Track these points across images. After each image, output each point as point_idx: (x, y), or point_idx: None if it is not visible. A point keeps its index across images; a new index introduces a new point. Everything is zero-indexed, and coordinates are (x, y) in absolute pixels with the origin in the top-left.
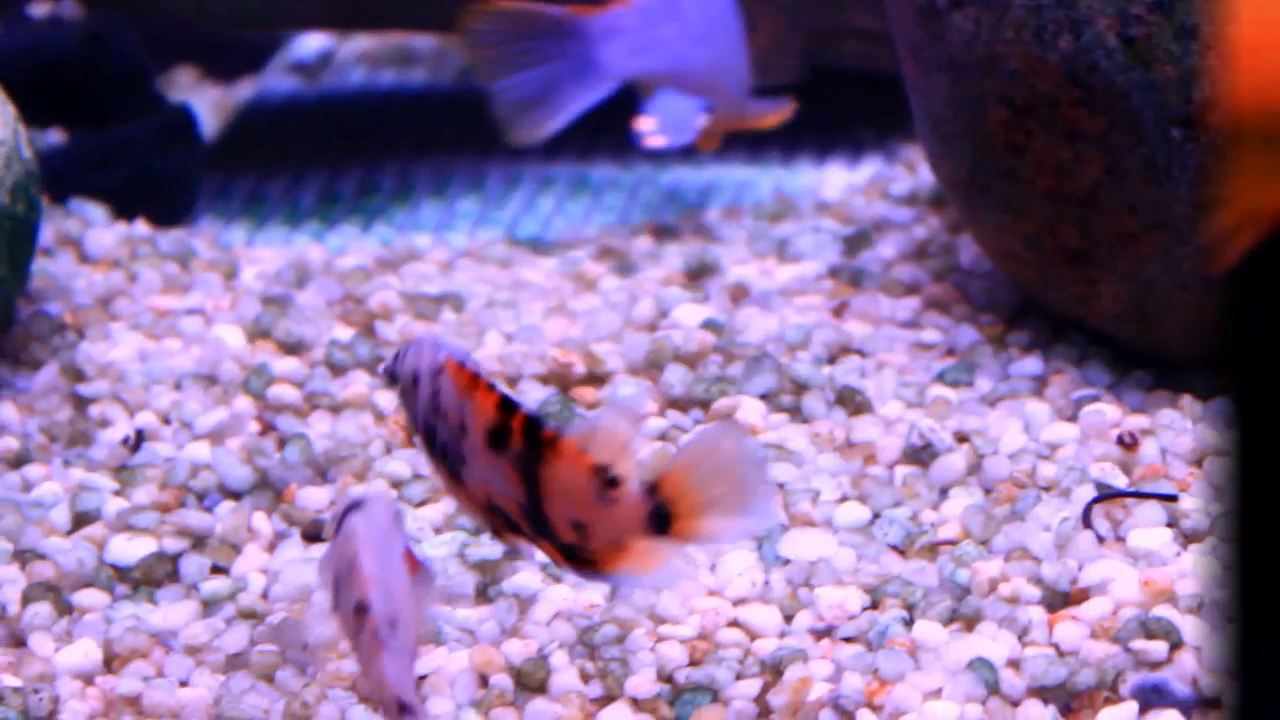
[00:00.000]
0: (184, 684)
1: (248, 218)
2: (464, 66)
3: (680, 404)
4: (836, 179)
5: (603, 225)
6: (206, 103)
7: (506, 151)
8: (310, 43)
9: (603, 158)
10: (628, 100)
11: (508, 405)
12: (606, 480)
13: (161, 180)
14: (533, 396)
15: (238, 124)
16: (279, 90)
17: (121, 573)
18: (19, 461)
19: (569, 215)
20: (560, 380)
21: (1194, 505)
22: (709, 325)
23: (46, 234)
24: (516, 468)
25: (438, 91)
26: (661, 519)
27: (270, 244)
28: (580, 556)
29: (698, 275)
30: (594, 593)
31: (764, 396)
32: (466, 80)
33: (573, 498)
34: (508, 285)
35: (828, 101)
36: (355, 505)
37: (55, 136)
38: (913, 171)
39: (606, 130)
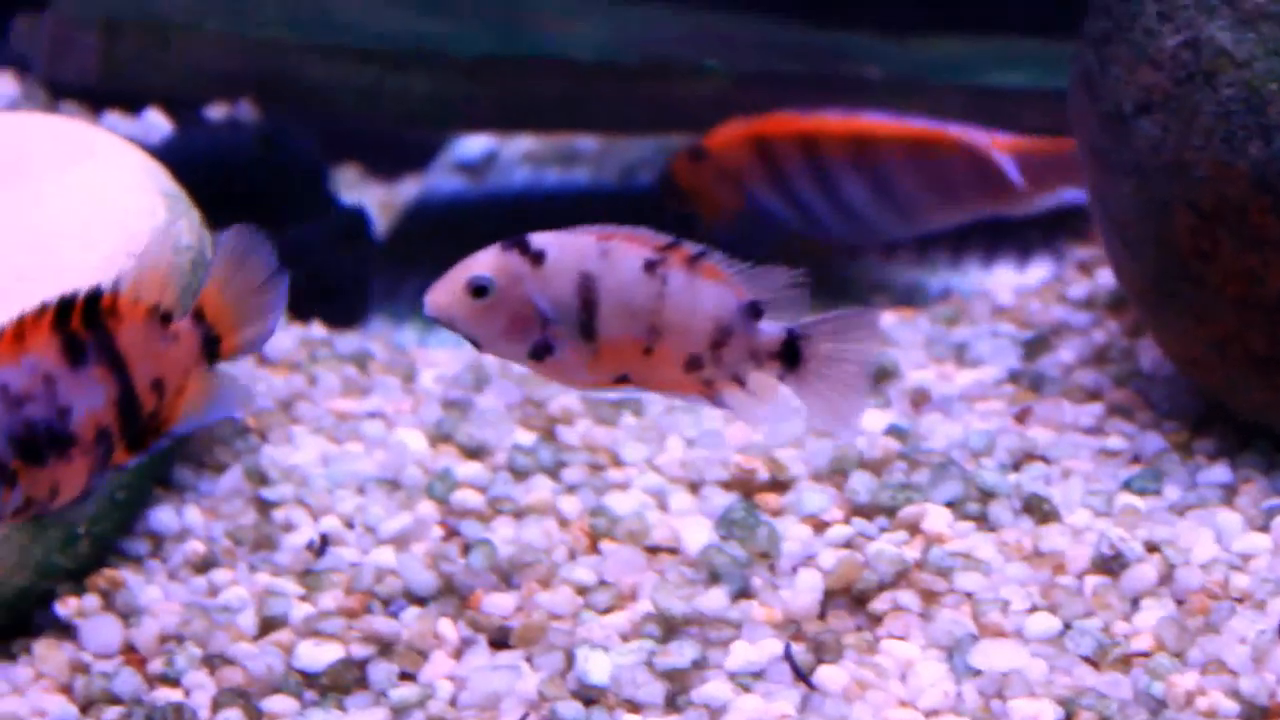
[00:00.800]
0: None
1: (418, 319)
2: (626, 165)
3: (865, 511)
4: (1006, 280)
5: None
6: (371, 201)
7: None
8: (475, 143)
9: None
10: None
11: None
12: (163, 318)
13: (337, 282)
14: (716, 503)
15: (405, 223)
16: (445, 189)
17: (310, 678)
18: (205, 566)
19: None
20: (744, 486)
21: None
22: (892, 431)
23: None
24: (101, 359)
25: (601, 190)
26: (212, 348)
27: (441, 345)
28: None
29: (877, 380)
30: (785, 702)
31: (950, 504)
32: (629, 179)
33: (145, 353)
34: None
35: None
36: None
37: None
38: (1088, 274)
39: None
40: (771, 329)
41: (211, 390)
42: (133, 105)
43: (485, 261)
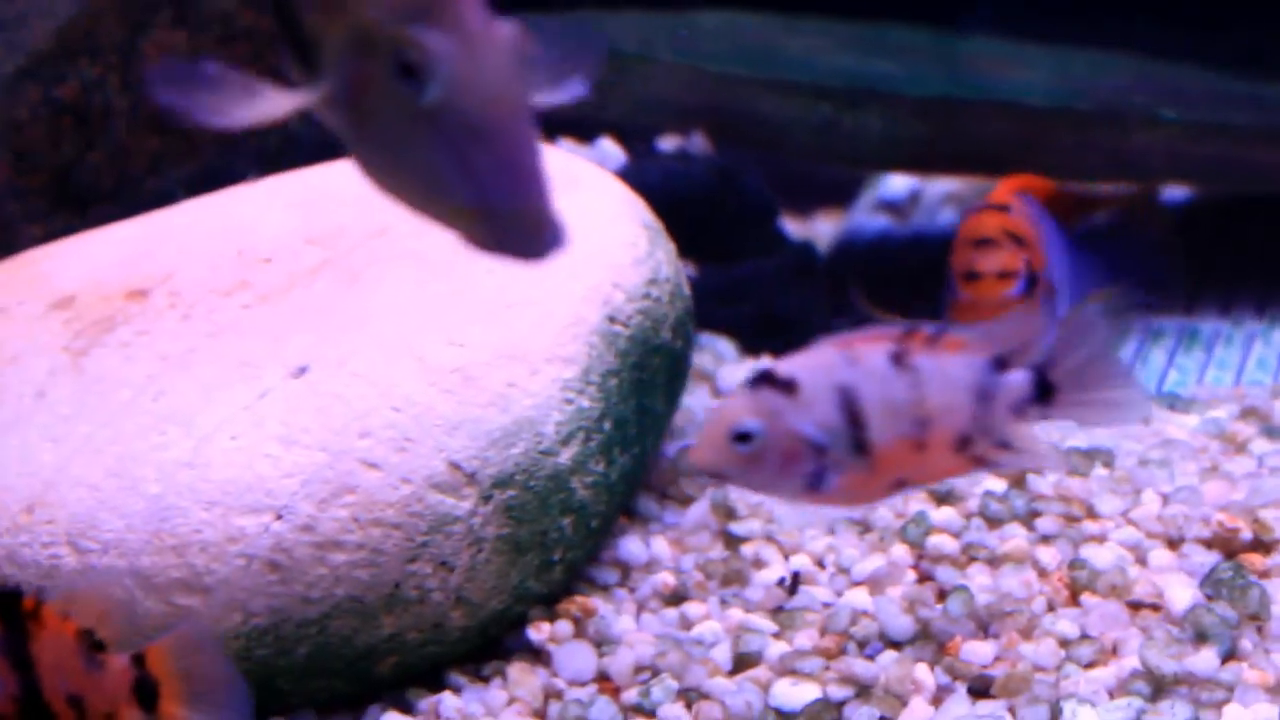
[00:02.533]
0: None
1: None
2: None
3: None
4: None
5: (1220, 380)
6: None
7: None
8: (898, 182)
9: (1209, 310)
10: (1230, 249)
11: None
12: (92, 644)
13: (787, 317)
14: (1197, 560)
15: (832, 259)
16: (870, 227)
17: (787, 717)
18: (676, 598)
19: (1183, 369)
20: (1225, 545)
21: None
22: None
23: None
24: (5, 653)
25: None
26: (147, 693)
27: None
28: None
29: None
30: None
31: None
32: None
33: (63, 668)
34: (1156, 443)
35: None
36: None
37: (687, 269)
38: None
39: (1210, 281)
40: (1018, 376)
41: None
42: (586, 134)
43: (741, 407)
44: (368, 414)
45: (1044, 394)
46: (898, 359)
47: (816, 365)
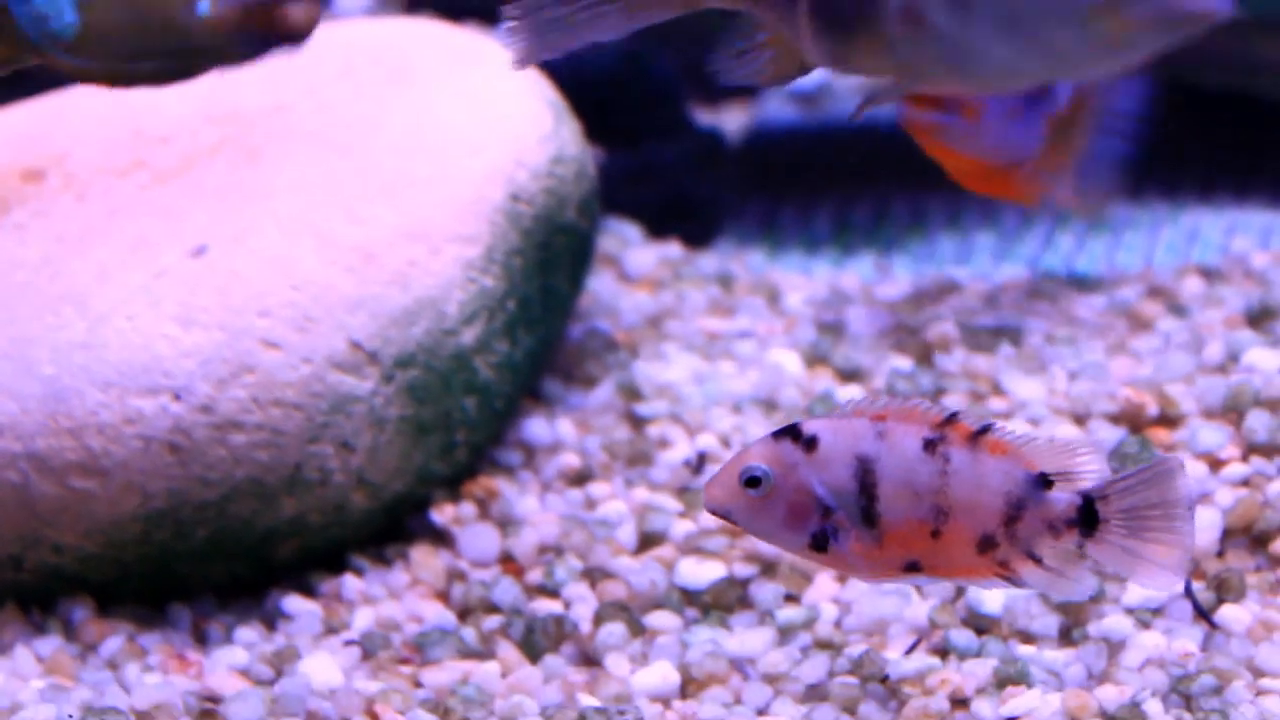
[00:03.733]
0: (762, 713)
1: (764, 242)
2: None
3: (1264, 450)
4: None
5: (1129, 263)
6: None
7: None
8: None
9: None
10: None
11: None
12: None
13: (693, 202)
14: (1103, 436)
15: (742, 149)
16: (780, 118)
17: (691, 596)
18: (581, 479)
19: (1091, 253)
20: (1132, 420)
21: None
22: None
23: None
24: None
25: None
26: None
27: (790, 269)
28: None
29: (1260, 319)
30: (1187, 640)
31: None
32: None
33: None
34: (1062, 320)
35: None
36: None
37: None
38: None
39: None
40: (1064, 497)
41: None
42: (493, 18)
43: (758, 452)
44: (267, 293)
45: (1090, 523)
46: (930, 445)
47: (842, 429)
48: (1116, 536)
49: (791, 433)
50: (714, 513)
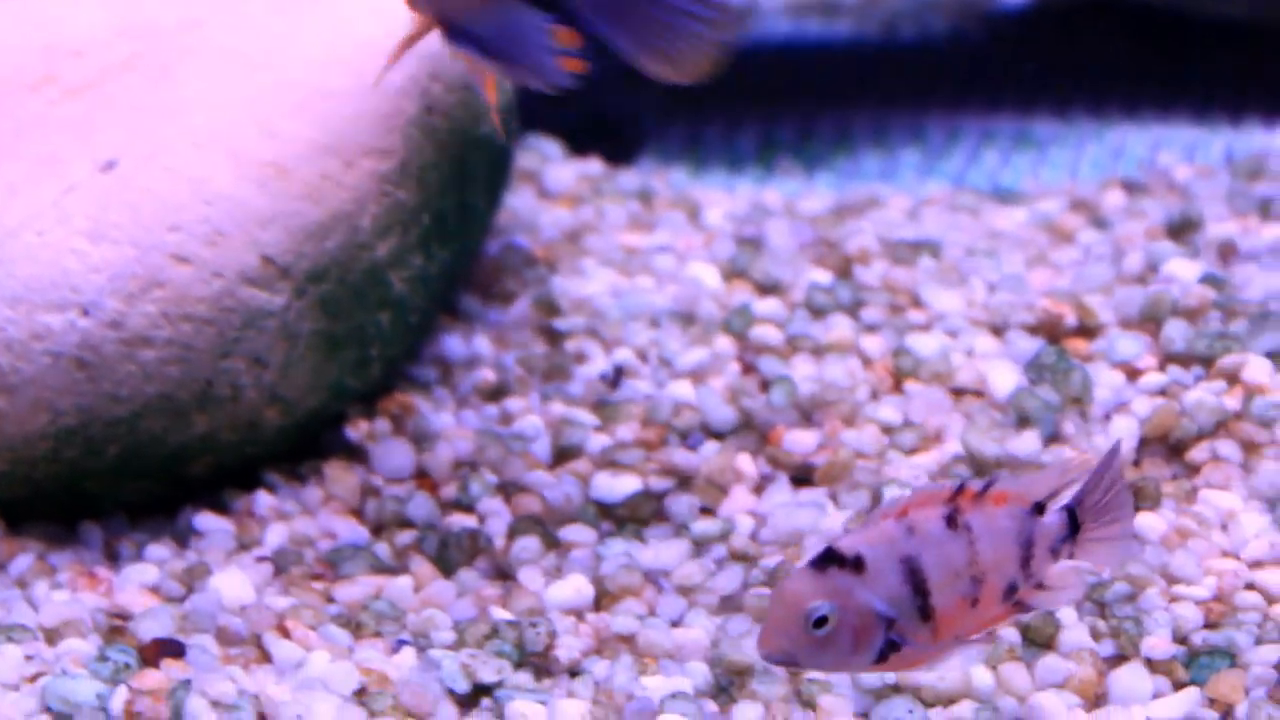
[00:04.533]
0: (675, 624)
1: (687, 160)
2: (889, 19)
3: (1181, 359)
4: None
5: (1053, 179)
6: None
7: (944, 104)
8: None
9: (1044, 113)
10: (1066, 54)
11: None
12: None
13: (614, 119)
14: (1022, 347)
15: None
16: None
17: (607, 509)
18: (497, 394)
19: (1016, 168)
20: (1050, 331)
21: None
22: (1208, 280)
23: None
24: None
25: (866, 43)
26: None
27: (713, 186)
28: None
29: (1180, 231)
30: None
31: (1271, 355)
32: (893, 33)
33: None
34: (983, 234)
35: (1278, 62)
36: None
37: None
38: None
39: (1046, 85)
40: (1053, 518)
41: None
42: None
43: (810, 590)
44: (179, 208)
45: (1074, 532)
46: (951, 520)
47: (879, 539)
48: (1091, 533)
49: (834, 559)
50: (778, 663)
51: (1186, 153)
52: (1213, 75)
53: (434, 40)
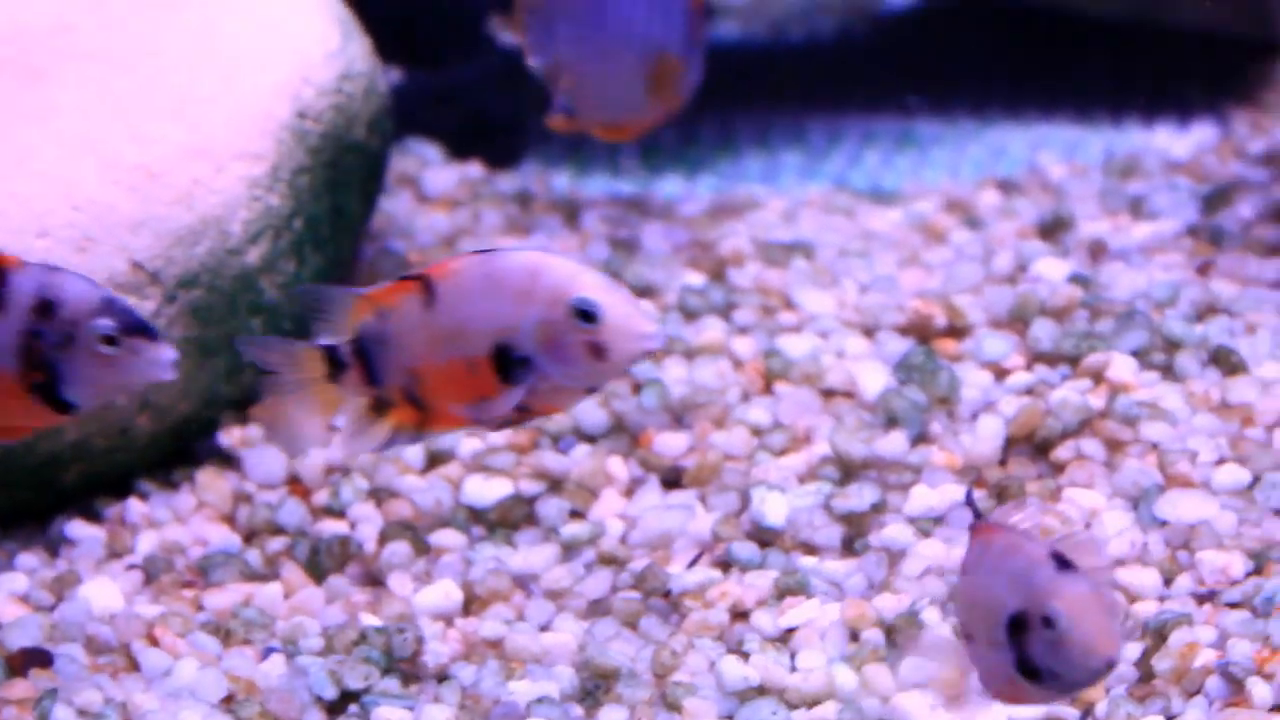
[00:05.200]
0: (544, 629)
1: (570, 163)
2: (777, 19)
3: (1048, 358)
4: (1168, 141)
5: (934, 179)
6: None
7: (827, 105)
8: None
9: (925, 113)
10: (950, 55)
11: None
12: None
13: (495, 123)
14: (892, 348)
15: None
16: None
17: (478, 513)
18: None
19: (897, 169)
20: (920, 331)
21: None
22: (1075, 279)
23: None
24: None
25: (753, 44)
26: None
27: (594, 190)
28: None
29: (1052, 230)
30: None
31: (1135, 353)
32: (781, 34)
33: None
34: (857, 235)
35: (1157, 61)
36: None
37: (392, 74)
38: (1263, 131)
39: (929, 86)
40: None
41: None
42: None
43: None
44: (47, 214)
45: None
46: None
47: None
48: None
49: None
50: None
51: (1067, 152)
52: (1094, 75)
53: (307, 42)
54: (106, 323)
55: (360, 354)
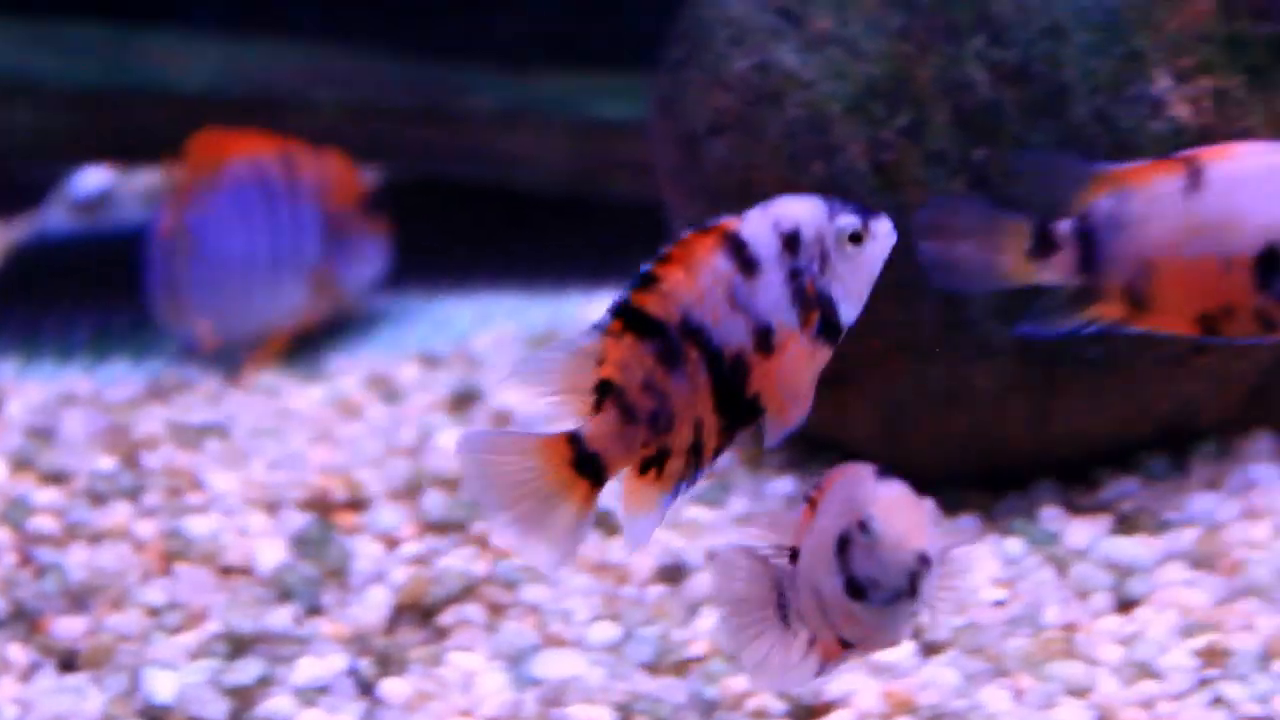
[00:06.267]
0: None
1: (18, 353)
2: None
3: (438, 527)
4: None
5: (370, 356)
6: None
7: None
8: (91, 179)
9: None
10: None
11: None
12: None
13: None
14: (293, 523)
15: (13, 263)
16: (58, 230)
17: None
18: None
19: (338, 347)
20: (321, 506)
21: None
22: None
23: None
24: None
25: None
26: None
27: (39, 378)
28: None
29: (461, 402)
30: (348, 715)
31: None
32: None
33: None
34: (274, 414)
35: (600, 231)
36: None
37: None
38: None
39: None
40: None
41: None
42: None
43: None
44: None
45: None
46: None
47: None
48: None
49: None
50: None
51: (513, 323)
52: (539, 248)
53: None
54: (846, 222)
55: (1082, 236)
